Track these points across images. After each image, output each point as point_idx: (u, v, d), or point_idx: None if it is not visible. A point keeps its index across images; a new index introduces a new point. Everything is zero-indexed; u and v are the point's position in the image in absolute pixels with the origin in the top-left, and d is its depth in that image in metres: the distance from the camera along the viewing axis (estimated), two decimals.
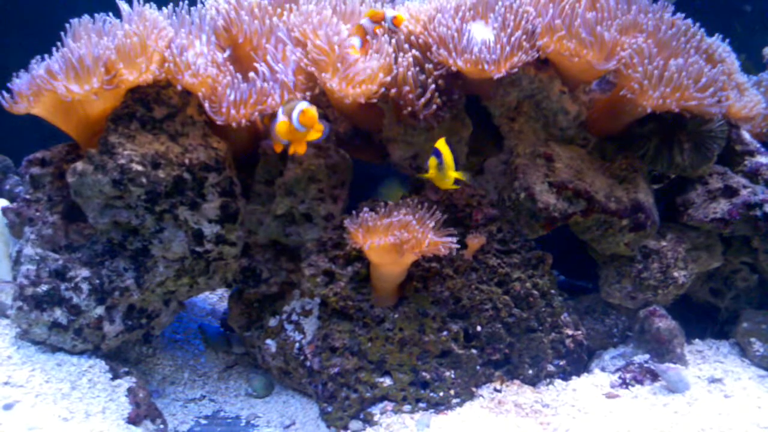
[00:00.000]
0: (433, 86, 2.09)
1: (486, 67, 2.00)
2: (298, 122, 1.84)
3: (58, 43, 1.97)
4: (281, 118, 1.90)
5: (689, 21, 2.20)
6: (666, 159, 2.33)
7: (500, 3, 2.11)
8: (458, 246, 2.05)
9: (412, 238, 1.93)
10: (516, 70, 2.04)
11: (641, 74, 2.05)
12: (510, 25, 2.07)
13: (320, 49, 2.00)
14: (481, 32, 2.12)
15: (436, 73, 2.10)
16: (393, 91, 2.08)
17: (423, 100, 2.09)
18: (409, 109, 2.11)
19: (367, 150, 2.41)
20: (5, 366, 1.94)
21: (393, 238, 1.92)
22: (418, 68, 2.12)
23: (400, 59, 2.09)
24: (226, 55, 2.10)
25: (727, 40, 2.38)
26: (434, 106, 2.11)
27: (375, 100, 2.08)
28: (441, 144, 1.98)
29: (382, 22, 2.12)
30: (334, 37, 2.01)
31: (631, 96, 2.08)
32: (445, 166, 1.97)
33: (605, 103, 2.31)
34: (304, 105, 1.86)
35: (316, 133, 1.93)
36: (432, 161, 1.97)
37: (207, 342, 2.58)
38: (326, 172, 2.24)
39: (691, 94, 2.05)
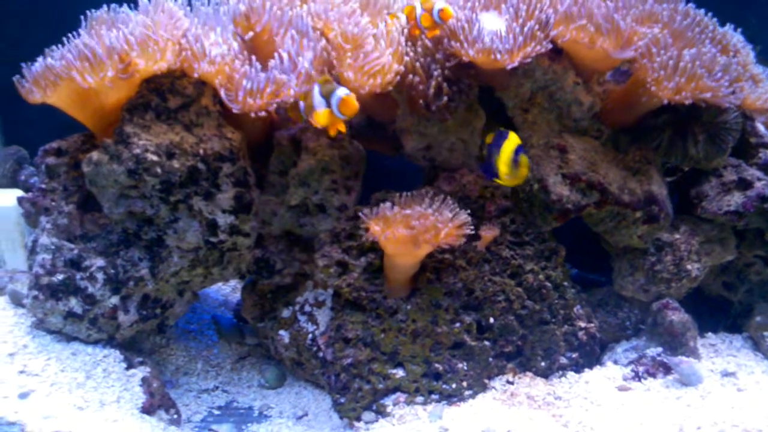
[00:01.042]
0: (437, 72, 2.07)
1: (498, 56, 1.99)
2: (338, 110, 1.86)
3: (73, 34, 1.98)
4: (321, 104, 1.89)
5: (702, 11, 2.19)
6: (680, 151, 2.31)
7: None
8: (472, 234, 2.05)
9: (430, 229, 1.93)
10: (529, 60, 2.03)
11: (658, 64, 2.04)
12: (523, 15, 2.05)
13: (344, 38, 2.00)
14: (494, 22, 2.11)
15: (447, 64, 2.10)
16: (408, 78, 2.07)
17: (431, 89, 2.08)
18: (422, 99, 2.11)
19: (381, 141, 2.41)
20: (21, 355, 1.95)
21: (410, 230, 1.92)
22: (429, 59, 2.12)
23: (409, 50, 2.08)
24: (247, 37, 2.09)
25: (740, 30, 2.37)
26: (444, 98, 2.10)
27: (390, 89, 2.07)
28: (517, 139, 1.92)
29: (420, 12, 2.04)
30: (354, 28, 2.01)
31: (648, 86, 2.06)
32: (521, 164, 1.90)
33: (619, 95, 2.30)
34: (343, 92, 1.85)
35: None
36: (508, 155, 1.89)
37: (220, 333, 2.59)
38: (340, 163, 2.24)
39: (706, 84, 2.04)
